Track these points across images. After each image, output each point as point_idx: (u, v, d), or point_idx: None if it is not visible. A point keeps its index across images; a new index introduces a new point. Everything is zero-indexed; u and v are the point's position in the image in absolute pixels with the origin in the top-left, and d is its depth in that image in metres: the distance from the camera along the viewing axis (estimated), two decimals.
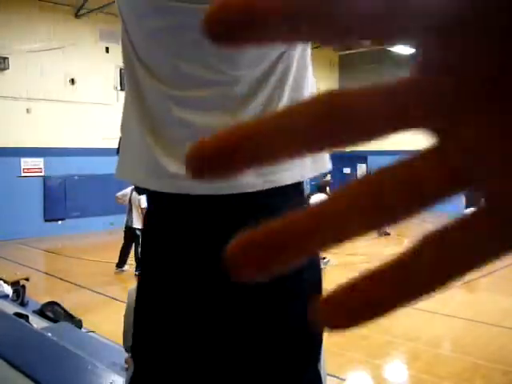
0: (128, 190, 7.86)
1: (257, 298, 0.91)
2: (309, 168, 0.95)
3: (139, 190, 1.17)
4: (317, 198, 6.88)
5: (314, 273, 0.99)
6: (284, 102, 0.91)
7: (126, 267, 8.19)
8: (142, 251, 1.02)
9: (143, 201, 7.34)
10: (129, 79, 0.96)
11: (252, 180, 0.88)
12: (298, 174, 0.93)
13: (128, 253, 8.13)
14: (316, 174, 0.96)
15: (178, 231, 0.94)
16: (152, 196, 0.99)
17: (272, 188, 0.89)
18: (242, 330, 0.93)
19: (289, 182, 0.91)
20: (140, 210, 7.62)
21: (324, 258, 7.88)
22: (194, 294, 0.93)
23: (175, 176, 0.89)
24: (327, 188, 7.50)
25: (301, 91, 0.95)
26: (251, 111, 0.89)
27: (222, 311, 0.92)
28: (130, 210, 7.93)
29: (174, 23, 0.87)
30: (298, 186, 0.94)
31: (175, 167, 0.89)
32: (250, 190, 0.88)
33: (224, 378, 0.97)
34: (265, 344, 0.93)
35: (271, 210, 0.90)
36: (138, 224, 7.67)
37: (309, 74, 0.98)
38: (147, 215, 1.02)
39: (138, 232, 7.56)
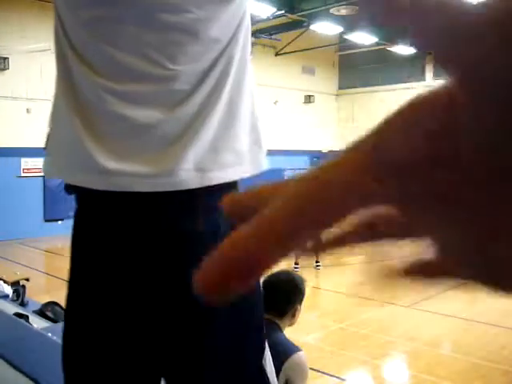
0: None
1: (188, 300, 0.88)
2: (248, 167, 0.94)
3: (68, 189, 0.99)
4: None
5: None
6: (223, 100, 0.89)
7: None
8: (72, 251, 0.97)
9: None
10: (60, 69, 0.93)
11: (189, 177, 0.86)
12: (236, 172, 0.92)
13: None
14: (254, 173, 0.94)
15: (110, 230, 0.90)
16: (81, 194, 0.94)
17: (209, 186, 0.88)
18: (172, 332, 0.91)
19: (226, 180, 0.89)
20: None
21: (317, 262, 7.88)
22: (125, 292, 0.90)
23: (110, 172, 0.85)
24: None
25: (240, 91, 0.93)
26: (190, 108, 0.87)
27: (153, 312, 0.90)
28: None
29: (114, 14, 0.84)
30: (234, 186, 0.93)
31: (111, 163, 0.86)
32: (186, 188, 0.86)
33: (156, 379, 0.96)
34: (197, 339, 0.90)
35: (206, 209, 0.88)
36: None
37: (248, 74, 0.95)
38: (75, 215, 0.96)
39: None
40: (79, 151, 0.88)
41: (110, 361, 0.92)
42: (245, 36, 0.93)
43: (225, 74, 0.90)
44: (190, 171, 0.86)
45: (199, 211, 0.89)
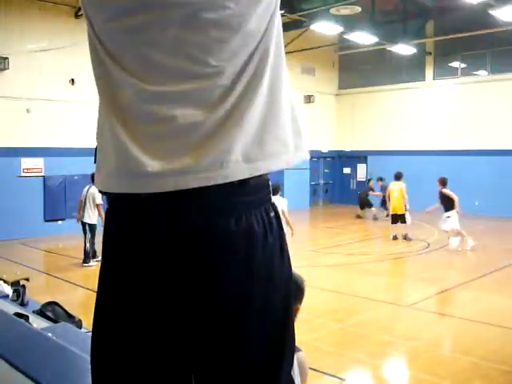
0: (85, 188, 8.84)
1: (222, 307, 0.88)
2: (293, 156, 0.94)
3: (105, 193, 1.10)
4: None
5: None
6: (264, 86, 0.90)
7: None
8: (106, 254, 0.96)
9: (98, 196, 8.39)
10: (99, 78, 0.93)
11: (238, 168, 0.86)
12: (281, 161, 0.92)
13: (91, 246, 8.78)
14: (298, 161, 0.95)
15: (152, 231, 0.89)
16: (120, 198, 0.93)
17: (250, 179, 0.88)
18: (208, 337, 0.90)
19: (273, 169, 0.91)
20: (94, 206, 8.62)
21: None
22: (166, 291, 0.89)
23: (156, 174, 0.85)
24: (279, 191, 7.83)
25: (279, 78, 0.94)
26: (232, 100, 0.87)
27: (191, 311, 0.89)
28: (84, 206, 8.72)
29: (159, 18, 0.84)
30: (267, 184, 0.94)
31: (157, 164, 0.85)
32: (235, 179, 0.87)
33: None
34: (233, 347, 0.90)
35: (248, 204, 0.89)
36: (89, 219, 8.65)
37: (284, 63, 0.97)
38: (110, 220, 0.96)
39: (88, 227, 8.69)
40: (124, 158, 0.88)
41: (143, 358, 0.92)
42: (278, 24, 0.95)
43: (262, 62, 0.90)
44: (239, 162, 0.87)
45: (240, 207, 0.89)
